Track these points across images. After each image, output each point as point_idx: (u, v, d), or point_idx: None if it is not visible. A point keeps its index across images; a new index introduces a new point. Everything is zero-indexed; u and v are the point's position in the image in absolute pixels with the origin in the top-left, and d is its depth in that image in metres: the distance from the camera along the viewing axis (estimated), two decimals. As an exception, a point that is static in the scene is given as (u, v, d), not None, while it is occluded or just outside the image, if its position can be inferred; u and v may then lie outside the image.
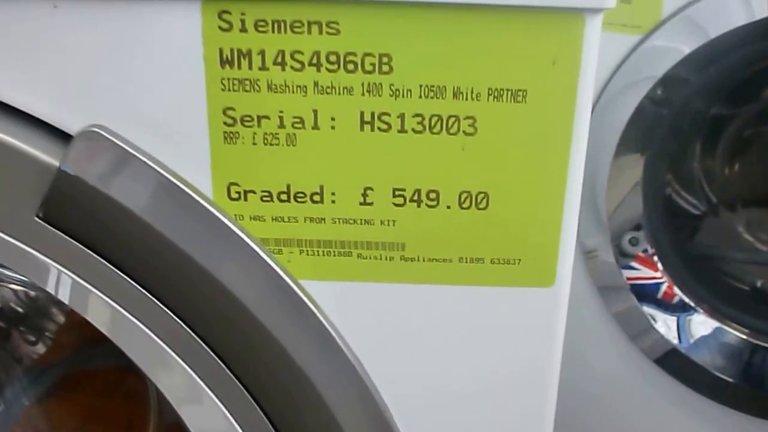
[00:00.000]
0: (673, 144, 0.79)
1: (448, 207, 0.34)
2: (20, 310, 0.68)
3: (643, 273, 0.74)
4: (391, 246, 0.35)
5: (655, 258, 0.74)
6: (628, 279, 0.73)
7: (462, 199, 0.34)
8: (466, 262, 0.35)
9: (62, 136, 0.33)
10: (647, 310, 0.75)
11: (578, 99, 0.32)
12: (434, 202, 0.34)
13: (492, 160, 0.33)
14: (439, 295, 0.36)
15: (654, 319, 0.75)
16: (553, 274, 0.36)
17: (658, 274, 0.75)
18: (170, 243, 0.32)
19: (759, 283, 0.87)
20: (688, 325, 0.77)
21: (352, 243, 0.35)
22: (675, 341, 0.78)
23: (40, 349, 0.70)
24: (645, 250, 0.73)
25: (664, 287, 0.75)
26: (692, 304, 0.79)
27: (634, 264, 0.74)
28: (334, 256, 0.35)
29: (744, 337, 0.79)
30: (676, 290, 0.76)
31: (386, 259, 0.35)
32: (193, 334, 0.34)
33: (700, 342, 0.79)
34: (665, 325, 0.76)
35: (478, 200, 0.34)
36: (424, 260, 0.35)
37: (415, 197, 0.34)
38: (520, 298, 0.35)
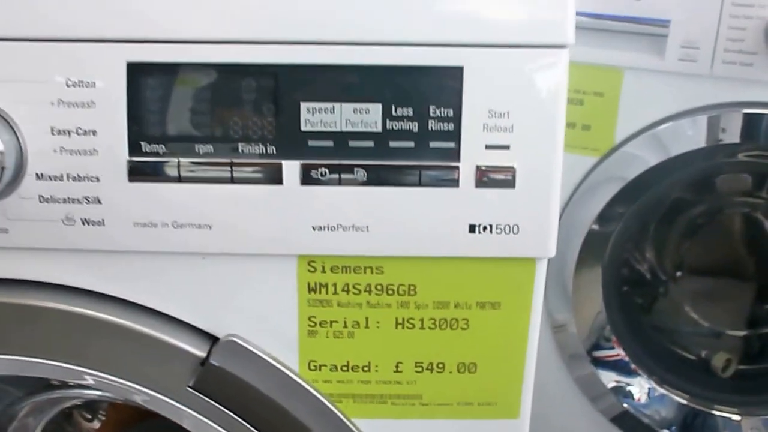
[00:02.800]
0: (634, 224, 0.97)
1: (450, 372, 0.54)
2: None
3: (607, 352, 0.94)
4: (413, 396, 0.55)
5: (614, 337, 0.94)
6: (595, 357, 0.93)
7: (459, 368, 0.54)
8: (462, 404, 0.55)
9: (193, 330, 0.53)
10: (605, 375, 0.95)
11: (533, 306, 0.52)
12: (441, 369, 0.54)
13: (479, 343, 0.53)
14: (444, 427, 0.55)
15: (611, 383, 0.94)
16: (518, 410, 0.56)
17: (621, 352, 0.95)
18: (276, 404, 0.52)
19: (703, 354, 1.07)
20: (639, 391, 0.97)
21: (387, 395, 0.55)
22: (628, 404, 0.98)
23: (95, 425, 0.88)
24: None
25: (623, 362, 0.95)
26: (645, 374, 0.99)
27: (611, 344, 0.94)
28: (376, 403, 0.55)
29: (685, 402, 0.99)
30: (632, 364, 0.96)
31: (410, 404, 0.55)
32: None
33: (649, 404, 0.99)
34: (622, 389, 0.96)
35: (470, 368, 0.54)
36: (434, 404, 0.55)
37: (429, 367, 0.54)
38: (496, 428, 0.55)
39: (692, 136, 0.82)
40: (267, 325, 0.52)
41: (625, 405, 0.95)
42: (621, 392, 0.95)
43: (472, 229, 0.48)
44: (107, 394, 0.73)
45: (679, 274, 1.06)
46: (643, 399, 0.97)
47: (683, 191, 1.00)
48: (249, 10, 0.47)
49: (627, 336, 0.99)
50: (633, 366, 0.96)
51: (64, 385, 0.76)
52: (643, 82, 0.81)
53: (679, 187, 0.97)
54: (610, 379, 0.94)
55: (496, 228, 0.48)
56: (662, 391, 0.97)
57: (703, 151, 0.81)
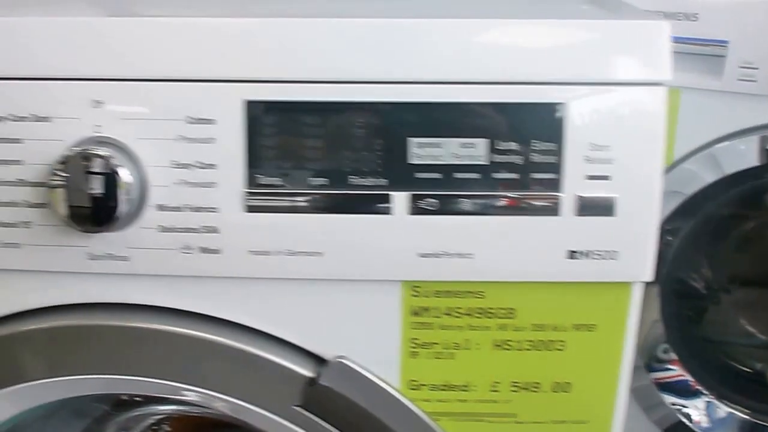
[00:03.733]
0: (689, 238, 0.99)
1: (545, 392, 0.56)
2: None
3: (665, 373, 0.96)
4: (509, 415, 0.57)
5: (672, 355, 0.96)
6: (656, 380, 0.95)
7: (554, 387, 0.56)
8: (556, 423, 0.57)
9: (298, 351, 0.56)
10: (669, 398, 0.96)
11: (627, 328, 0.55)
12: (537, 389, 0.56)
13: (574, 364, 0.55)
14: (538, 446, 0.58)
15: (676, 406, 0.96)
16: (610, 428, 0.58)
17: (679, 372, 0.97)
18: (382, 423, 0.54)
19: (758, 366, 1.08)
20: (698, 413, 0.98)
21: (484, 414, 0.57)
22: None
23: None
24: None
25: (683, 383, 0.97)
26: (703, 388, 1.01)
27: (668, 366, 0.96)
28: (473, 421, 0.57)
29: (747, 417, 1.00)
30: (692, 383, 0.98)
31: (505, 422, 0.57)
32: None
33: (715, 424, 1.00)
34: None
35: (564, 387, 0.56)
36: (529, 423, 0.57)
37: (525, 386, 0.56)
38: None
39: (745, 155, 0.84)
40: (370, 346, 0.54)
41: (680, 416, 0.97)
42: (679, 413, 0.97)
43: (571, 255, 0.51)
44: (196, 409, 0.76)
45: (732, 286, 1.07)
46: (704, 421, 0.98)
47: (736, 207, 1.02)
48: (360, 52, 0.49)
49: (683, 349, 1.01)
50: (692, 386, 0.98)
51: (150, 402, 0.79)
52: (700, 101, 0.83)
53: (733, 203, 0.98)
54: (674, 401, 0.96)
55: (595, 254, 0.51)
56: (722, 407, 0.98)
57: (756, 169, 0.83)
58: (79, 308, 0.56)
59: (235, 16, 0.50)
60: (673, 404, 0.96)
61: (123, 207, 0.48)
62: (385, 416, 0.54)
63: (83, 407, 0.79)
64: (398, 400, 0.54)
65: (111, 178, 0.48)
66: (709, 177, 0.87)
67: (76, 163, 0.48)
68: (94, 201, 0.49)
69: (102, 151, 0.48)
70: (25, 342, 0.55)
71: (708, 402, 0.98)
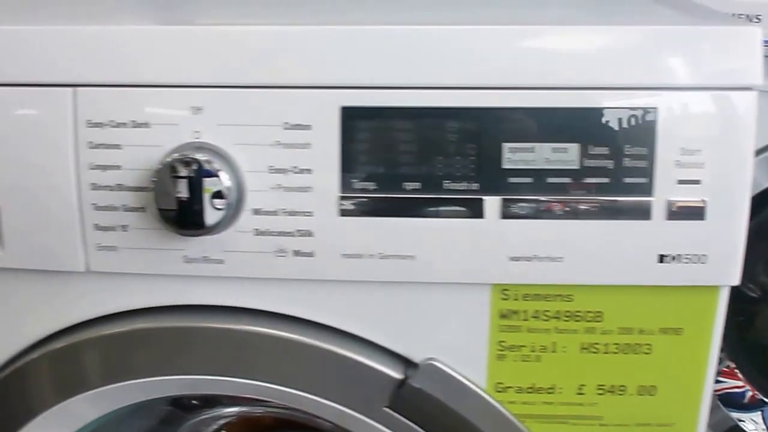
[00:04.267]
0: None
1: (631, 394, 0.57)
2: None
3: (728, 384, 0.96)
4: (594, 418, 0.57)
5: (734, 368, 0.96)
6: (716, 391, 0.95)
7: (639, 390, 0.57)
8: (640, 425, 0.58)
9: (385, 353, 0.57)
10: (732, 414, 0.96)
11: (714, 332, 0.55)
12: (622, 392, 0.57)
13: (660, 367, 0.56)
14: (622, 447, 0.58)
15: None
16: (695, 431, 0.58)
17: (734, 384, 0.97)
18: (472, 425, 0.55)
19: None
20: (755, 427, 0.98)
21: (569, 416, 0.58)
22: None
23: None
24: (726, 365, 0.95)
25: (748, 393, 0.97)
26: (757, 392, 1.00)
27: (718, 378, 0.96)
28: (557, 424, 0.58)
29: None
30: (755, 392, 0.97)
31: (590, 425, 0.58)
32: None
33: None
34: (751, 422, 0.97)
35: (650, 390, 0.57)
36: (614, 425, 0.58)
37: (611, 389, 0.57)
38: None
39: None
40: (458, 349, 0.55)
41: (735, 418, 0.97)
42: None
43: (661, 259, 0.51)
44: (260, 409, 0.77)
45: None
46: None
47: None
48: (454, 58, 0.50)
49: (740, 352, 1.00)
50: (747, 399, 0.97)
51: (217, 404, 0.80)
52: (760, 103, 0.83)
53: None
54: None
55: (685, 258, 0.51)
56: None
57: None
58: (172, 310, 0.57)
59: (330, 24, 0.51)
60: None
61: (208, 211, 0.49)
62: (475, 418, 0.55)
63: (154, 409, 0.80)
64: (488, 402, 0.55)
65: (197, 182, 0.49)
66: (766, 181, 0.87)
67: (167, 168, 0.49)
68: (180, 204, 0.49)
69: (195, 156, 0.49)
70: (120, 343, 0.56)
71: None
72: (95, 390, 0.58)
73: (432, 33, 0.50)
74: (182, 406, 0.83)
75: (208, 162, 0.49)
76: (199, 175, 0.49)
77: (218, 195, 0.49)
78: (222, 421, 0.83)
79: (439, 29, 0.50)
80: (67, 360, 0.57)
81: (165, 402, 0.80)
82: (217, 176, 0.49)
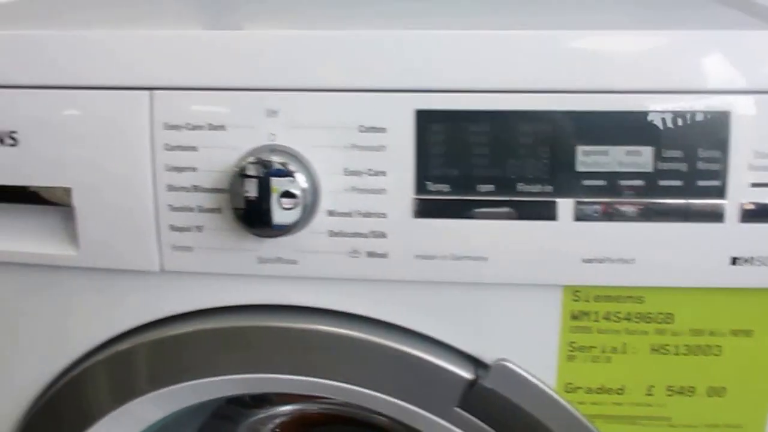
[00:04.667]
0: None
1: (700, 396, 0.57)
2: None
3: None
4: (662, 419, 0.58)
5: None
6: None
7: (709, 392, 0.57)
8: (709, 427, 0.58)
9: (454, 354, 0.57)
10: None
11: None
12: (691, 393, 0.57)
13: (729, 369, 0.56)
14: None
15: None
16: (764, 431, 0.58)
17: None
18: (543, 425, 0.56)
19: None
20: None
21: (638, 417, 0.58)
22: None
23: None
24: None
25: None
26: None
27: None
28: (626, 424, 0.58)
29: None
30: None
31: (659, 426, 0.58)
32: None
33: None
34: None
35: (719, 392, 0.57)
36: (682, 426, 0.58)
37: (680, 390, 0.57)
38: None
39: None
40: (528, 350, 0.56)
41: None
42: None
43: (734, 261, 0.52)
44: (325, 406, 0.78)
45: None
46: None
47: None
48: (529, 63, 0.51)
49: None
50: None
51: (275, 403, 0.81)
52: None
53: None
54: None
55: (758, 260, 0.51)
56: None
57: None
58: (239, 310, 0.58)
59: (404, 28, 0.52)
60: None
61: (276, 210, 0.51)
62: (545, 418, 0.55)
63: (213, 407, 0.81)
64: (558, 402, 0.55)
65: (265, 182, 0.50)
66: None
67: (239, 169, 0.51)
68: (248, 203, 0.50)
69: (269, 158, 0.50)
70: (193, 342, 0.57)
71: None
72: (161, 390, 0.58)
73: (506, 37, 0.51)
74: (242, 403, 0.84)
75: (282, 164, 0.50)
76: (267, 174, 0.50)
77: (287, 194, 0.50)
78: (278, 420, 0.84)
79: (513, 33, 0.51)
80: (133, 360, 0.58)
81: (224, 399, 0.81)
82: (286, 176, 0.50)
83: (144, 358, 0.59)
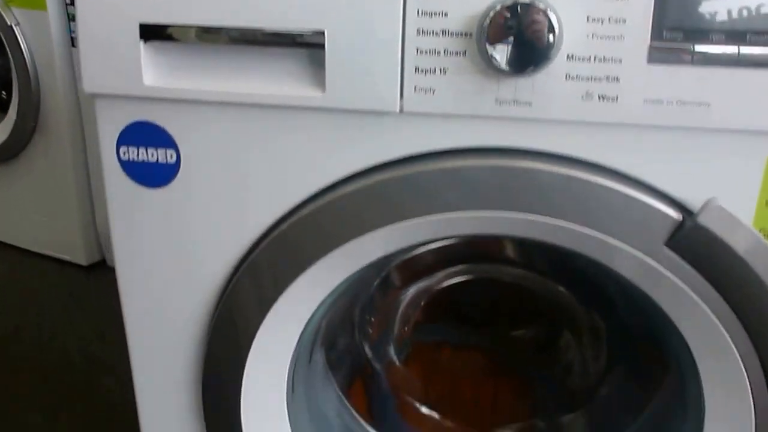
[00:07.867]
0: None
1: None
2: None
3: None
4: None
5: None
6: None
7: None
8: None
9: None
10: None
11: None
12: None
13: None
14: None
15: None
16: None
17: None
18: (751, 270, 0.61)
19: None
20: None
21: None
22: None
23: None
24: None
25: None
26: None
27: None
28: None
29: None
30: None
31: None
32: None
33: None
34: None
35: None
36: None
37: None
38: None
39: None
40: (731, 194, 0.61)
41: None
42: None
43: None
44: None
45: None
46: None
47: None
48: None
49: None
50: None
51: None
52: None
53: None
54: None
55: None
56: None
57: None
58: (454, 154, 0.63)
59: None
60: None
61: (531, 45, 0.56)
62: (755, 263, 0.60)
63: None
64: (766, 246, 0.60)
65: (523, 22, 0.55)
66: None
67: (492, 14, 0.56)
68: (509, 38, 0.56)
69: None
70: (418, 182, 0.63)
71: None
72: (395, 224, 0.64)
73: None
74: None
75: (532, 5, 0.55)
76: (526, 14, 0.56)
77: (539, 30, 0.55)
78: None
79: None
80: (358, 201, 0.64)
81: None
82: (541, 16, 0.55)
83: (380, 194, 0.64)
